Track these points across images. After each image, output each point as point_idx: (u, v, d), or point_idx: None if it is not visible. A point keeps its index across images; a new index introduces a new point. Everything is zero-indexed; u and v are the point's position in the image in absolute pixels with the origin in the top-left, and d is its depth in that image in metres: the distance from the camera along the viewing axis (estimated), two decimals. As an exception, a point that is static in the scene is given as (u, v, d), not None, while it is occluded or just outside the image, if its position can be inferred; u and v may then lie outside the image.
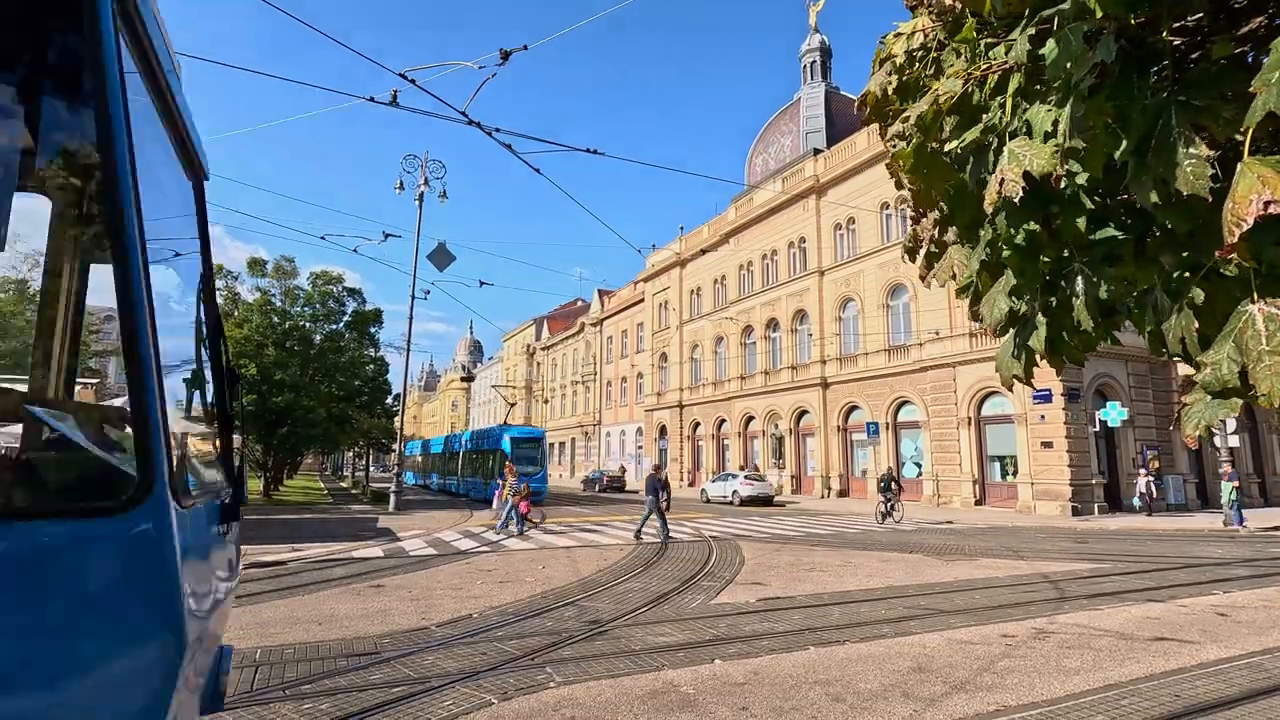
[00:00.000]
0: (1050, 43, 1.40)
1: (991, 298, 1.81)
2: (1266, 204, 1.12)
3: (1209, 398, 1.36)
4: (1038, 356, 1.86)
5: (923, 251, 2.07)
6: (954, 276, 1.91)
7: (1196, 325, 1.43)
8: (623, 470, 42.29)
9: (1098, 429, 23.18)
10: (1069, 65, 1.34)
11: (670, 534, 15.38)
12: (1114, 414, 22.15)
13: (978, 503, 24.95)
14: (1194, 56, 1.82)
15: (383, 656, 6.15)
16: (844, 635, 6.94)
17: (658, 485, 15.49)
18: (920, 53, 1.90)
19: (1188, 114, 1.30)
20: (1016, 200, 1.50)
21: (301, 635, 6.99)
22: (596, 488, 39.16)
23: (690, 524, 19.41)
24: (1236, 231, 1.15)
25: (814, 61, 42.11)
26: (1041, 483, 22.64)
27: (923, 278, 2.07)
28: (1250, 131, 1.17)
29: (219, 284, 33.15)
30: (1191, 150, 1.28)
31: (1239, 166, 1.16)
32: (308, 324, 31.58)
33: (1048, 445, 22.88)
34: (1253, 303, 1.26)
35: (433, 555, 12.91)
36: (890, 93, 1.92)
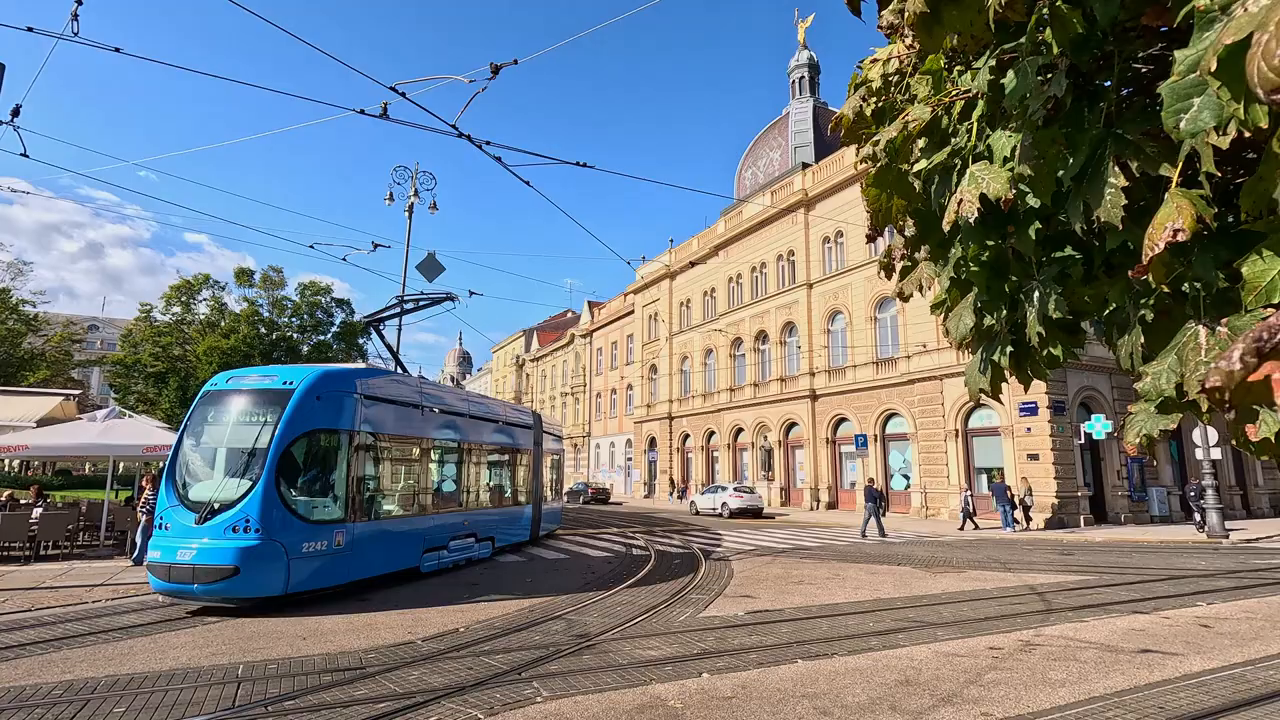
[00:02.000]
0: (1010, 74, 1.46)
1: (958, 313, 1.86)
2: (1175, 232, 1.18)
3: (1152, 409, 1.41)
4: (1005, 372, 1.91)
5: (897, 268, 2.13)
6: (921, 287, 1.96)
7: (1143, 341, 1.50)
8: (610, 485, 41.94)
9: (1083, 441, 23.40)
10: (1026, 96, 1.41)
11: (885, 534, 19.24)
12: (1098, 426, 22.38)
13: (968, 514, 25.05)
14: (1159, 85, 1.88)
15: (368, 672, 6.09)
16: (832, 648, 6.95)
17: (876, 494, 19.68)
18: (895, 78, 1.96)
19: (1119, 146, 1.37)
20: (971, 220, 1.56)
21: (285, 650, 6.90)
22: (581, 499, 38.92)
23: (679, 536, 19.36)
24: (1150, 254, 1.22)
25: (802, 77, 42.60)
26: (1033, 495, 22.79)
27: (900, 294, 2.12)
28: (1179, 165, 1.24)
29: (204, 294, 32.94)
30: (1111, 180, 1.35)
31: (1166, 195, 1.23)
32: (295, 335, 31.43)
33: (1034, 458, 23.06)
34: (1198, 322, 1.32)
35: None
36: (868, 114, 1.99)
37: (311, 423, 9.77)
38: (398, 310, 14.12)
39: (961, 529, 21.54)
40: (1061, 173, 1.45)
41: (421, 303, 13.97)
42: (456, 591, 10.47)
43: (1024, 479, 22.59)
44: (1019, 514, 21.54)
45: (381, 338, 14.43)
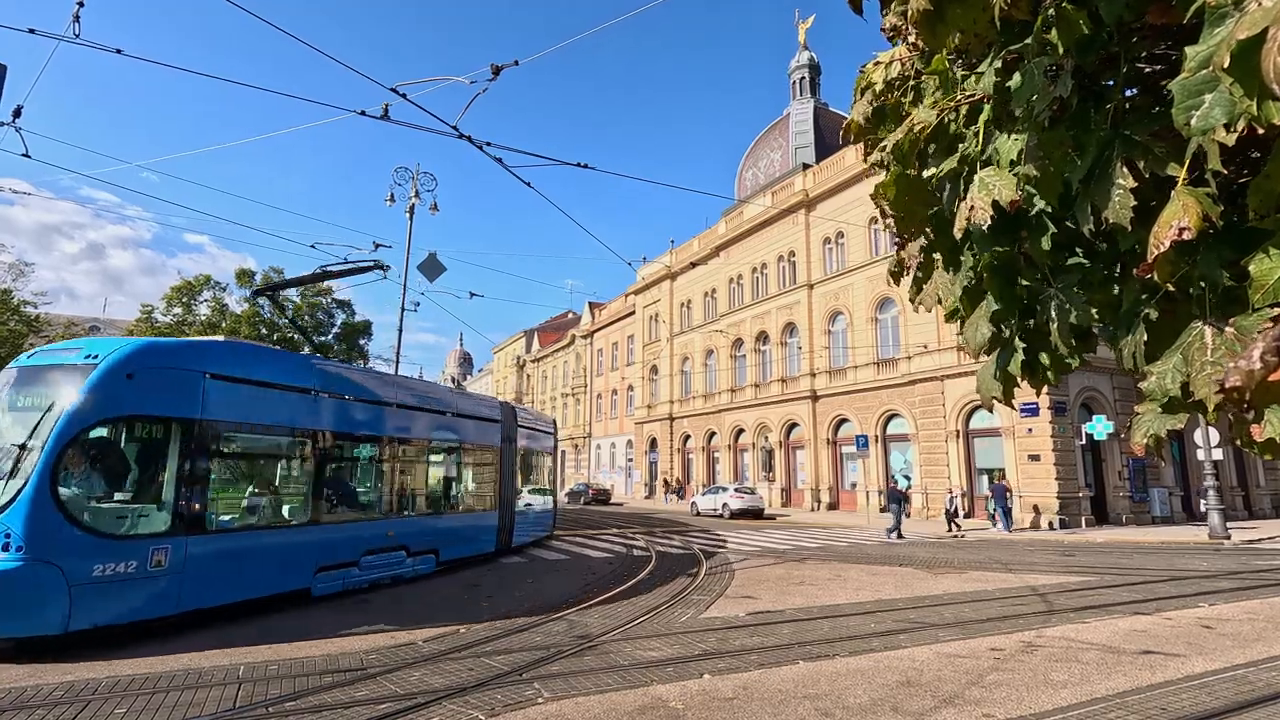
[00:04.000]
0: (1016, 75, 1.46)
1: (974, 323, 1.86)
2: (1181, 230, 1.18)
3: (1159, 409, 1.41)
4: (1017, 378, 1.91)
5: (909, 275, 2.13)
6: (940, 301, 1.96)
7: (1145, 340, 1.49)
8: (611, 486, 41.92)
9: (1084, 442, 23.38)
10: (1032, 98, 1.40)
11: (901, 536, 19.35)
12: (1100, 427, 22.36)
13: (966, 515, 25.04)
14: (1165, 84, 1.88)
15: (369, 673, 6.08)
16: (833, 649, 6.94)
17: (899, 495, 20.07)
18: (899, 81, 1.96)
19: (1126, 147, 1.36)
20: (984, 227, 1.55)
21: (286, 652, 6.90)
22: (582, 500, 38.89)
23: (680, 537, 19.35)
24: (1155, 252, 1.22)
25: (803, 78, 42.63)
26: (1029, 495, 22.79)
27: (912, 300, 2.12)
28: (1186, 163, 1.24)
29: (206, 294, 33.00)
30: (1119, 180, 1.34)
31: (1172, 194, 1.23)
32: (296, 336, 31.43)
33: (1035, 458, 23.04)
34: (1203, 321, 1.32)
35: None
36: (870, 118, 1.98)
37: (120, 407, 7.52)
38: (316, 277, 13.17)
39: (948, 531, 21.26)
40: (1069, 175, 1.45)
41: (340, 269, 12.67)
42: (455, 593, 10.47)
43: (1006, 481, 22.54)
44: (999, 515, 21.41)
45: (279, 307, 12.39)
